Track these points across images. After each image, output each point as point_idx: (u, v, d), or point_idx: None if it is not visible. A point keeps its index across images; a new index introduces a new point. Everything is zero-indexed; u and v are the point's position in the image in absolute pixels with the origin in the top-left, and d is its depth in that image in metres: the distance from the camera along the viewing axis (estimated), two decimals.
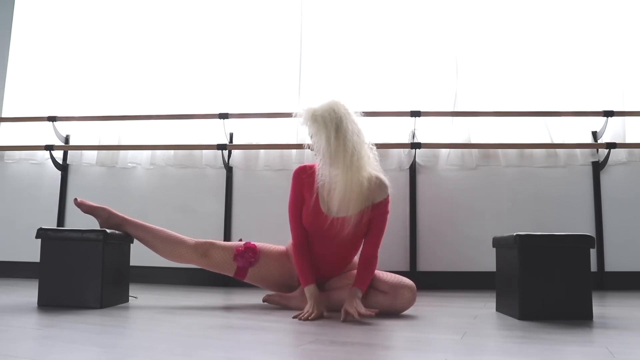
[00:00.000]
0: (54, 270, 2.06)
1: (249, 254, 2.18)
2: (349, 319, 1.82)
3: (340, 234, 1.98)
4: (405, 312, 2.00)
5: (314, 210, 2.01)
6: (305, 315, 1.86)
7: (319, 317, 1.88)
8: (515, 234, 1.90)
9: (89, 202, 2.26)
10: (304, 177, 2.05)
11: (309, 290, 1.98)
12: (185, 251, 2.21)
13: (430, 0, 3.31)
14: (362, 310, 1.80)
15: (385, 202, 2.01)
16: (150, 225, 2.26)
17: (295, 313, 1.93)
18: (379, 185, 1.99)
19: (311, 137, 1.99)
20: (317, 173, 2.01)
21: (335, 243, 2.04)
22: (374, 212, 2.00)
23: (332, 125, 1.91)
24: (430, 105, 3.18)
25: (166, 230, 2.26)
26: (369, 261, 2.00)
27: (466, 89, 3.22)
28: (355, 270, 2.05)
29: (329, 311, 1.96)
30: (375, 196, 1.99)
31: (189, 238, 2.25)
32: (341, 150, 1.91)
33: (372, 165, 2.00)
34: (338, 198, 1.93)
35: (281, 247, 2.27)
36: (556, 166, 3.11)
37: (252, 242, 2.23)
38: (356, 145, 1.93)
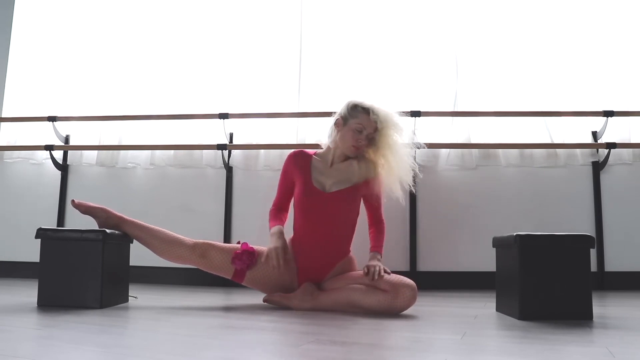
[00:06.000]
0: (54, 270, 2.06)
1: (247, 257, 2.18)
2: (371, 273, 2.01)
3: (337, 208, 2.16)
4: (405, 312, 2.00)
5: (309, 190, 2.18)
6: (273, 262, 2.09)
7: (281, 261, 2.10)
8: (515, 234, 1.90)
9: (87, 203, 2.25)
10: (299, 160, 2.25)
11: (275, 230, 2.21)
12: (183, 251, 2.20)
13: (430, 0, 3.31)
14: (383, 270, 2.02)
15: (378, 179, 2.22)
16: (149, 225, 2.26)
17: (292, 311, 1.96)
18: (371, 163, 2.23)
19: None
20: (313, 158, 2.26)
21: (330, 224, 2.17)
22: (369, 188, 2.22)
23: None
24: (430, 105, 3.18)
25: (165, 230, 2.26)
26: (379, 226, 2.28)
27: (466, 89, 3.22)
28: (352, 272, 2.17)
29: (323, 312, 1.96)
30: (369, 173, 2.21)
31: (188, 238, 2.24)
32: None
33: None
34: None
35: None
36: (556, 166, 3.11)
37: (250, 246, 2.22)
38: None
